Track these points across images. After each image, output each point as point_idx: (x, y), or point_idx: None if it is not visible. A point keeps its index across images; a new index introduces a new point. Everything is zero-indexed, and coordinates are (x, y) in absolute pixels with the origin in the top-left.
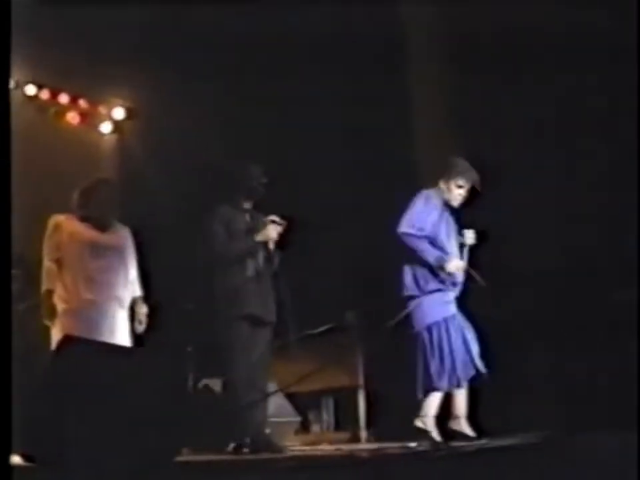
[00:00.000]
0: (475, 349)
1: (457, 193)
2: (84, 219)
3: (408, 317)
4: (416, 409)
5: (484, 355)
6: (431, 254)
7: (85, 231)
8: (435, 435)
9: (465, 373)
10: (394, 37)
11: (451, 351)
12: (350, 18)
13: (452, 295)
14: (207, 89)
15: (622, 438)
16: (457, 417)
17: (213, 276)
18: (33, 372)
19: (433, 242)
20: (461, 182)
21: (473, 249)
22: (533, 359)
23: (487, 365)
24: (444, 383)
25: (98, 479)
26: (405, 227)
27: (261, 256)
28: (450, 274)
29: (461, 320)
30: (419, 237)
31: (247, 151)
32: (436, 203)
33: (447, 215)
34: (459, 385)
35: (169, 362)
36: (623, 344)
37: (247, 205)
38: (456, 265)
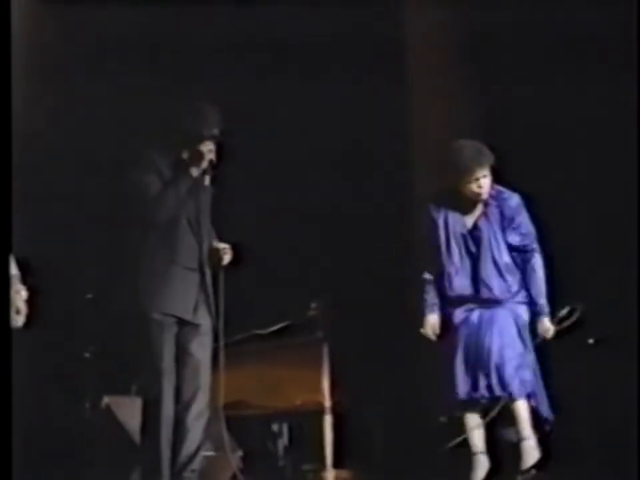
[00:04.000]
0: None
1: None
2: None
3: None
4: (404, 438)
5: None
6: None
7: None
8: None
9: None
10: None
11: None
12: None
13: None
14: None
15: None
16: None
17: (127, 252)
18: None
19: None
20: (485, 171)
21: None
22: None
23: None
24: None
25: None
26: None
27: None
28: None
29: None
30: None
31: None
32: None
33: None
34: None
35: (58, 372)
36: None
37: (195, 164)
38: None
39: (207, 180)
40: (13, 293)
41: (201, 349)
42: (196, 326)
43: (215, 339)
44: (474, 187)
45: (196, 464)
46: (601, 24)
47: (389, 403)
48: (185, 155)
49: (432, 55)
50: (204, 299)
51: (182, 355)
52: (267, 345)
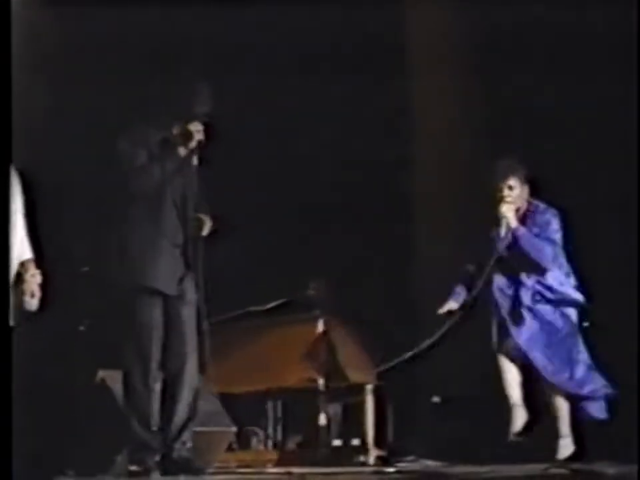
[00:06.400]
0: None
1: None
2: None
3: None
4: (400, 414)
5: None
6: None
7: None
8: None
9: None
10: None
11: None
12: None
13: None
14: None
15: None
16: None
17: (113, 224)
18: None
19: None
20: (512, 182)
21: None
22: None
23: None
24: None
25: None
26: None
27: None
28: None
29: None
30: None
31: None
32: None
33: None
34: None
35: (53, 346)
36: None
37: (183, 143)
38: None
39: (195, 160)
40: (28, 277)
41: (188, 321)
42: (182, 299)
43: (207, 313)
44: (499, 194)
45: (186, 437)
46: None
47: (386, 379)
48: (174, 132)
49: (434, 54)
50: (190, 274)
51: (169, 328)
52: (263, 322)
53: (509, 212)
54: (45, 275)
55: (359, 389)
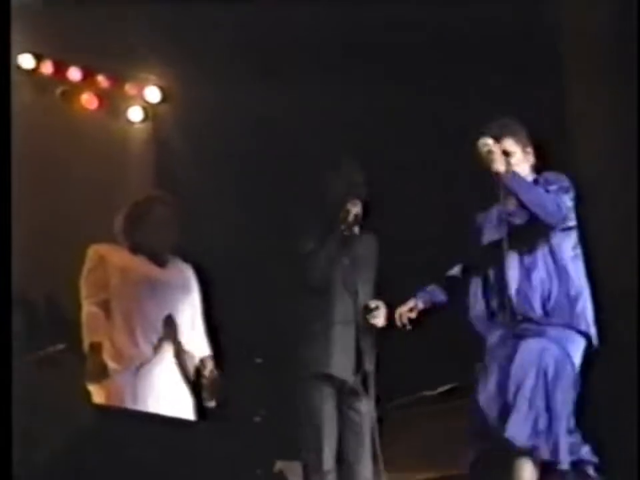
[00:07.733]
0: None
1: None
2: (135, 250)
3: None
4: None
5: None
6: None
7: (140, 266)
8: None
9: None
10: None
11: None
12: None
13: None
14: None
15: None
16: None
17: (288, 315)
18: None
19: None
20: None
21: None
22: None
23: None
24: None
25: None
26: None
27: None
28: None
29: None
30: None
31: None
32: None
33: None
34: None
35: (231, 438)
36: None
37: (342, 221)
38: None
39: (356, 230)
40: (207, 373)
41: (362, 412)
42: (355, 388)
43: (377, 401)
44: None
45: None
46: None
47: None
48: (333, 214)
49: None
50: (364, 359)
51: (344, 419)
52: (434, 408)
53: (496, 155)
54: (221, 369)
55: None
